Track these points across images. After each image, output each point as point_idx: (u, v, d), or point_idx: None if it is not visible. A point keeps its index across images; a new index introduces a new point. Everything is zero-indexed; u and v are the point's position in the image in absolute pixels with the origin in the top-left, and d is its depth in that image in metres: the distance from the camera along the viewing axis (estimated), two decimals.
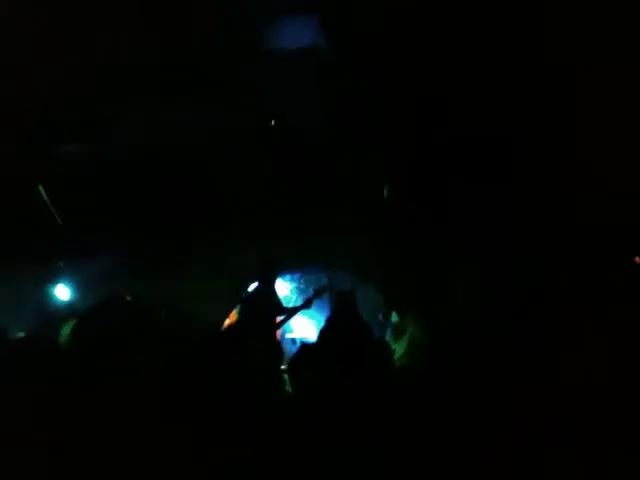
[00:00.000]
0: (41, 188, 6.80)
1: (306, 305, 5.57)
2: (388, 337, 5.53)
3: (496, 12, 5.46)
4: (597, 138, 5.14)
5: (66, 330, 5.32)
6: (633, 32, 4.86)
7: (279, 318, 5.47)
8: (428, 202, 6.68)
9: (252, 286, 5.57)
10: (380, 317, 5.97)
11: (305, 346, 4.79)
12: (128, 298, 5.55)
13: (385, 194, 6.93)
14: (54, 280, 6.63)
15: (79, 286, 6.63)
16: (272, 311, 5.38)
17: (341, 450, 3.17)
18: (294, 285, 7.37)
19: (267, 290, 5.44)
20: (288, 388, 3.94)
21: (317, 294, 5.69)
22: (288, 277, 7.25)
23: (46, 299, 6.49)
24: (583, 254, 4.91)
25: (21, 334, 5.08)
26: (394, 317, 5.69)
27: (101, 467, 3.05)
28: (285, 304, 5.81)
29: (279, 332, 5.82)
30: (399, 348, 5.26)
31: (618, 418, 3.08)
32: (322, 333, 4.74)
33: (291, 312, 5.58)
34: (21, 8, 5.67)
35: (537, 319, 4.06)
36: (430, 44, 5.82)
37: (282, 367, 5.06)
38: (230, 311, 6.42)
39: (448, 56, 5.87)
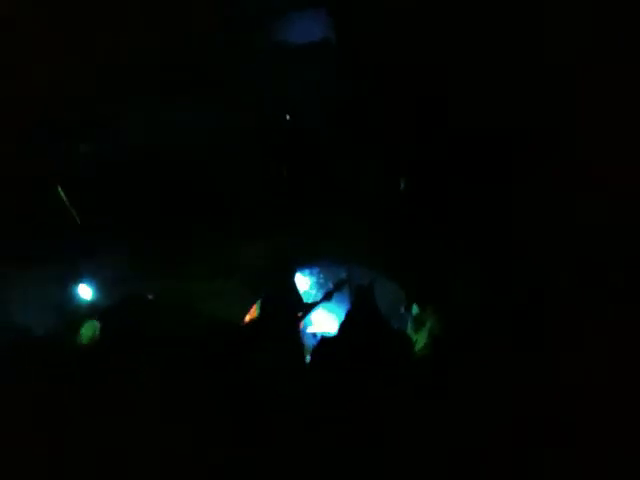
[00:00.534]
0: (60, 189, 6.81)
1: (326, 298, 5.67)
2: (409, 329, 5.58)
3: (496, 12, 5.47)
4: (597, 138, 5.15)
5: (86, 331, 5.36)
6: (633, 32, 4.86)
7: (299, 313, 5.52)
8: (429, 201, 6.70)
9: (270, 282, 5.59)
10: (402, 310, 5.99)
11: (325, 340, 4.86)
12: (150, 297, 5.59)
13: (401, 187, 6.95)
14: (75, 280, 6.61)
15: (99, 285, 6.63)
16: (293, 306, 5.42)
17: (343, 450, 3.18)
18: (313, 279, 7.39)
19: (287, 285, 5.47)
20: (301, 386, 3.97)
21: (336, 287, 5.81)
22: (307, 272, 7.28)
23: (68, 299, 6.46)
24: (583, 254, 4.90)
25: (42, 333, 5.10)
26: (415, 309, 5.73)
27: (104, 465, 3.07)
28: (305, 299, 5.84)
29: (300, 326, 5.86)
30: (420, 339, 5.31)
31: (618, 418, 3.08)
32: (342, 327, 4.85)
33: (311, 306, 5.64)
34: (21, 8, 5.67)
35: (537, 319, 4.07)
36: (430, 44, 5.82)
37: (305, 361, 5.13)
38: (248, 308, 6.40)
39: (448, 56, 5.88)
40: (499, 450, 3.10)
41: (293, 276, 5.65)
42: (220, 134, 6.86)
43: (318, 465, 3.29)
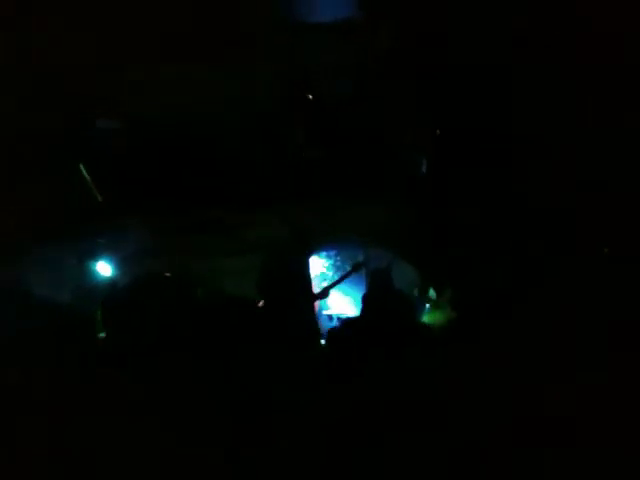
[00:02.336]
0: (82, 166, 6.86)
1: (342, 280, 5.69)
2: (426, 313, 5.71)
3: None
4: (597, 136, 5.11)
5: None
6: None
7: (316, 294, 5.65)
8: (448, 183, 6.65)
9: (286, 260, 5.61)
10: (418, 293, 6.03)
11: (342, 322, 4.92)
12: (167, 274, 5.67)
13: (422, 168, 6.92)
14: (94, 256, 6.68)
15: (119, 263, 6.70)
16: (310, 287, 5.48)
17: (342, 449, 3.23)
18: (330, 262, 7.39)
19: (303, 266, 5.51)
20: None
21: (353, 269, 5.84)
22: (324, 254, 7.28)
23: (87, 275, 6.55)
24: (584, 254, 4.90)
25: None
26: (431, 293, 5.86)
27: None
28: (322, 281, 5.89)
29: (316, 308, 5.94)
30: (437, 323, 5.46)
31: (618, 418, 3.08)
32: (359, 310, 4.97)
33: (327, 288, 5.70)
34: None
35: (538, 318, 4.06)
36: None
37: (321, 343, 5.21)
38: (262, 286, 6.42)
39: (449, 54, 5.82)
40: (499, 450, 3.13)
41: (310, 257, 5.68)
42: (242, 106, 6.80)
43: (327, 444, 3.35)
